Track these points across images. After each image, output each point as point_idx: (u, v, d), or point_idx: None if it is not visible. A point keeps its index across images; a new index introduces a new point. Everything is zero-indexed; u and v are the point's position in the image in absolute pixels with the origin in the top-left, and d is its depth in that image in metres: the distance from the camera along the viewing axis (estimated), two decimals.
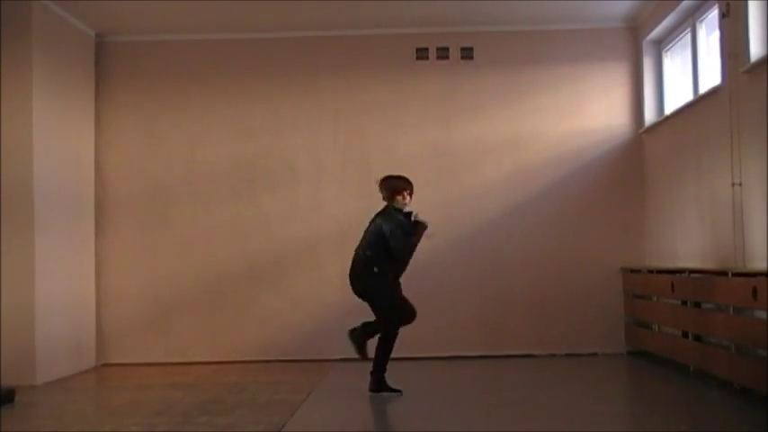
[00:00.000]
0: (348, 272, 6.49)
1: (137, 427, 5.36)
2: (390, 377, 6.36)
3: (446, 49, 8.92)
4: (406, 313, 6.36)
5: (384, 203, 6.53)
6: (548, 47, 8.90)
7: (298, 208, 8.86)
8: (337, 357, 8.52)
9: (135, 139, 8.95)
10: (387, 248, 6.28)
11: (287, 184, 8.88)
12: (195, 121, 8.95)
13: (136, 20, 8.54)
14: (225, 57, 8.99)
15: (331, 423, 5.77)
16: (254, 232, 8.83)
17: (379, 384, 6.30)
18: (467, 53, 8.92)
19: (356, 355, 6.37)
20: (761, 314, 5.52)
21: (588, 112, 8.85)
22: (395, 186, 6.49)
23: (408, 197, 6.49)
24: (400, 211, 6.44)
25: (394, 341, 6.34)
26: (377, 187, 6.55)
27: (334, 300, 8.62)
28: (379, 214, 6.47)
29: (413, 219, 6.43)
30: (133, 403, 6.38)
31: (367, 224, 6.51)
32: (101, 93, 8.89)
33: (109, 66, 8.94)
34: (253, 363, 8.50)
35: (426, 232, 6.43)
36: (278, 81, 8.95)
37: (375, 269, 6.31)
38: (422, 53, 8.93)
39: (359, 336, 6.36)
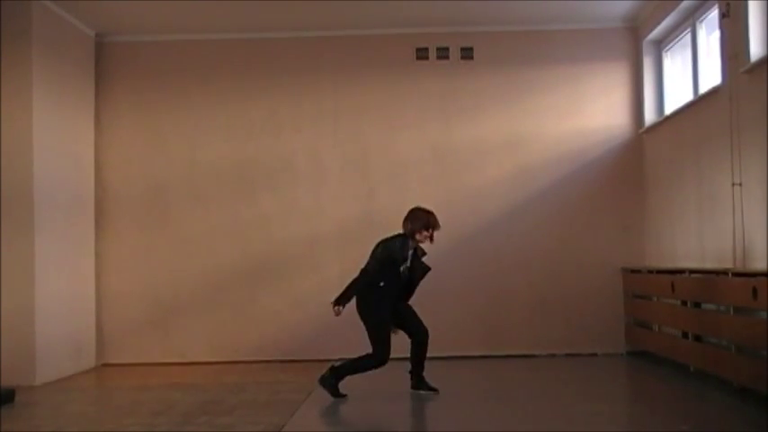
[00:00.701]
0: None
1: (137, 427, 5.36)
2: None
3: (446, 49, 8.93)
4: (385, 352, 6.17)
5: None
6: (548, 47, 8.90)
7: (298, 208, 8.86)
8: (337, 357, 8.52)
9: (135, 139, 8.95)
10: (388, 274, 6.17)
11: (287, 184, 8.89)
12: (195, 121, 8.95)
13: (136, 20, 8.54)
14: (225, 57, 8.99)
15: (331, 423, 5.77)
16: (254, 232, 8.83)
17: (330, 380, 6.22)
18: (467, 53, 8.92)
19: (336, 398, 6.20)
20: (761, 314, 5.52)
21: (588, 112, 8.86)
22: (427, 222, 6.26)
23: (431, 235, 6.28)
24: (406, 243, 6.24)
25: (366, 369, 6.24)
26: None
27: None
28: (381, 242, 6.31)
29: (421, 258, 6.29)
30: (133, 403, 6.38)
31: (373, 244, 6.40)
32: (101, 93, 8.89)
33: (109, 66, 8.94)
34: (253, 363, 8.51)
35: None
36: (278, 81, 8.95)
37: (374, 293, 6.17)
38: (422, 53, 8.93)
39: (328, 380, 6.24)
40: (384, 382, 6.73)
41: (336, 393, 6.23)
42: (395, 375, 6.43)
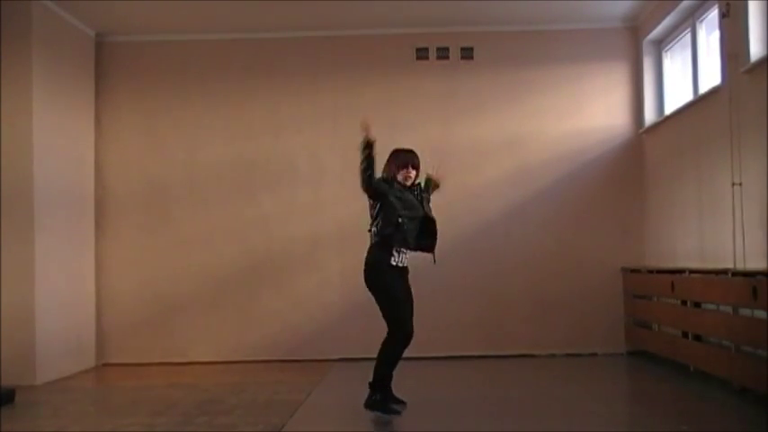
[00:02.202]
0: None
1: (137, 427, 5.36)
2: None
3: (446, 49, 8.93)
4: (408, 323, 5.72)
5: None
6: (548, 47, 8.90)
7: (298, 208, 8.86)
8: (337, 357, 8.54)
9: (135, 140, 8.95)
10: (384, 219, 5.82)
11: (287, 184, 8.89)
12: (195, 121, 8.95)
13: (136, 20, 8.54)
14: (225, 57, 8.99)
15: (331, 423, 5.77)
16: (254, 232, 8.83)
17: (373, 399, 5.68)
18: (467, 53, 8.92)
19: (390, 414, 5.65)
20: (761, 314, 5.52)
21: (588, 112, 8.86)
22: (403, 159, 5.95)
23: (414, 173, 5.99)
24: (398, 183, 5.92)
25: (401, 349, 5.71)
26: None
27: (334, 300, 8.65)
28: None
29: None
30: (133, 403, 6.38)
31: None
32: (101, 93, 8.90)
33: (109, 66, 8.94)
34: (253, 363, 8.51)
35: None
36: (278, 81, 8.95)
37: (378, 249, 5.77)
38: (422, 53, 8.93)
39: (371, 401, 5.69)
40: None
41: (390, 410, 5.63)
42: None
